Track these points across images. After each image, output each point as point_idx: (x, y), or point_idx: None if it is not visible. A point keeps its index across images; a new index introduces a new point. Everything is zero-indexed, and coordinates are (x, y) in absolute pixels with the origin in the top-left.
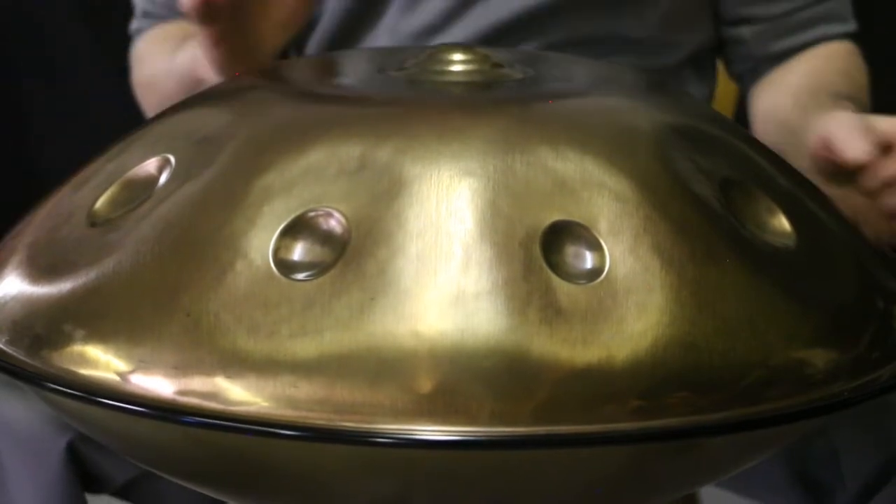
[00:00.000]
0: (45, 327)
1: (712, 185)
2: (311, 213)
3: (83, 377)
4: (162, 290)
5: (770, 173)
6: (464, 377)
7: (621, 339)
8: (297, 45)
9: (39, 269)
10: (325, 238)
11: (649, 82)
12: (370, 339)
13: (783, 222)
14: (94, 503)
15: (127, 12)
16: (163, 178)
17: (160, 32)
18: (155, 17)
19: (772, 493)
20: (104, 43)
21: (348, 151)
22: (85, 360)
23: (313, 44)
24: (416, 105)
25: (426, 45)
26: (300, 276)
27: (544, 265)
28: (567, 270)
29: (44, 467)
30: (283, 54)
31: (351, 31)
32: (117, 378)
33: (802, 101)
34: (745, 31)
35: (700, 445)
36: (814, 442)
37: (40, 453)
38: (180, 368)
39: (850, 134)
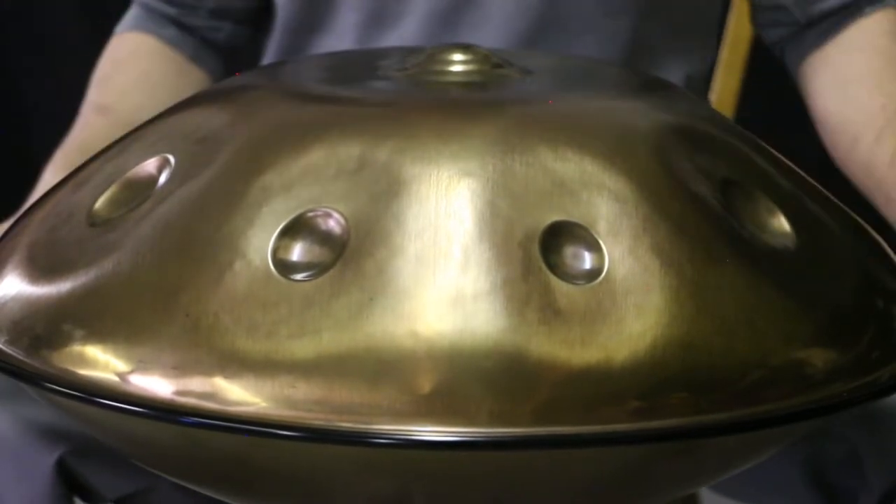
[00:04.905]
0: (44, 327)
1: (712, 186)
2: (310, 214)
3: (82, 377)
4: (161, 291)
5: (770, 173)
6: (462, 378)
7: (620, 340)
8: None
9: (39, 269)
10: (324, 238)
11: (648, 82)
12: (369, 339)
13: (783, 223)
14: None
15: (127, 13)
16: (162, 178)
17: (161, 53)
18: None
19: (787, 499)
20: (104, 43)
21: (347, 151)
22: (84, 361)
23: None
24: (415, 105)
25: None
26: (299, 276)
27: (543, 266)
28: (566, 271)
29: (34, 483)
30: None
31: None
32: (116, 378)
33: (878, 125)
34: None
35: (700, 446)
36: (831, 446)
37: (30, 468)
38: (179, 368)
39: None
